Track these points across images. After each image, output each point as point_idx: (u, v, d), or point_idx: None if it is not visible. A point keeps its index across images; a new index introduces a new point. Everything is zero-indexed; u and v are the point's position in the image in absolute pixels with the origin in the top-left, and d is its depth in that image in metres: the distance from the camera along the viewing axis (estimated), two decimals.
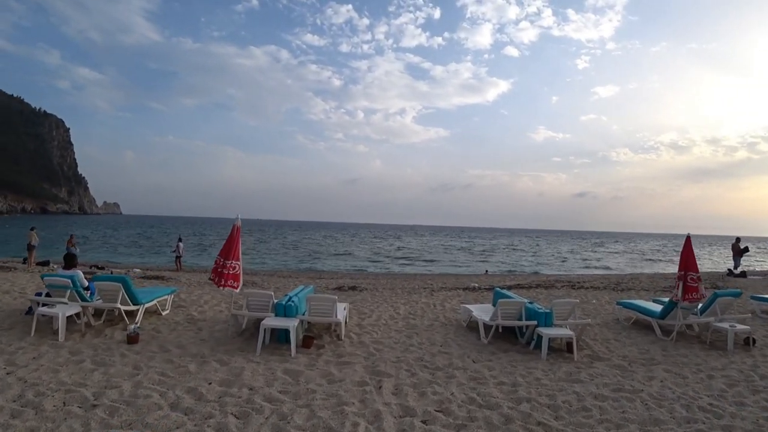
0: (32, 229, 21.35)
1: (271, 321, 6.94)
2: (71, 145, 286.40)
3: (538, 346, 7.11)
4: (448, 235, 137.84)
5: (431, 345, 7.44)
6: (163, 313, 9.26)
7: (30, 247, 20.59)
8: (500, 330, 7.81)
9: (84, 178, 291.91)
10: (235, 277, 7.32)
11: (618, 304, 10.16)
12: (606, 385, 5.70)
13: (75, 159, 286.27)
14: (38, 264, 21.30)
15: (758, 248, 76.59)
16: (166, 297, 9.62)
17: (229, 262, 7.27)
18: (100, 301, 8.12)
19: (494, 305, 9.23)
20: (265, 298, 7.64)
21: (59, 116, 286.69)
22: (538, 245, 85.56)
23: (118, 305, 7.75)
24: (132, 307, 8.15)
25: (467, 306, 9.12)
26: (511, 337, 8.01)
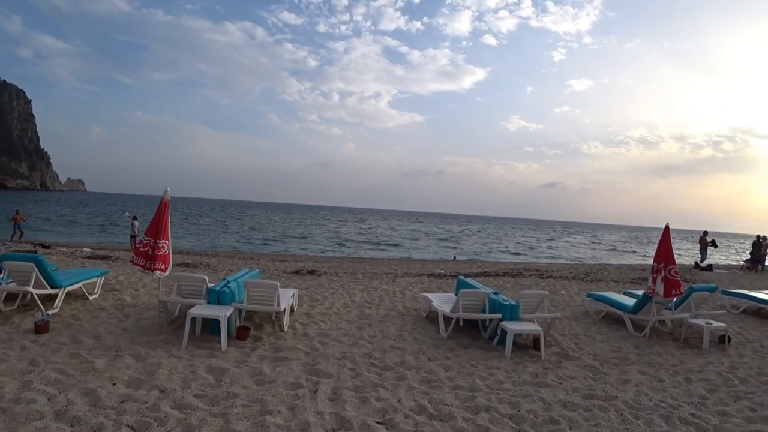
0: None
1: (200, 309, 6.04)
2: (33, 117, 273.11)
3: (503, 342, 6.42)
4: (418, 220, 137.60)
5: (384, 339, 6.66)
6: (90, 298, 8.26)
7: None
8: (461, 323, 7.07)
9: (46, 152, 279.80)
10: (164, 259, 6.39)
11: (588, 296, 9.61)
12: (576, 390, 5.03)
13: (37, 132, 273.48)
14: None
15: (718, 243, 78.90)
16: (94, 279, 8.61)
17: (159, 242, 6.34)
18: (13, 284, 7.09)
19: (457, 295, 8.54)
20: (198, 283, 6.72)
21: (20, 86, 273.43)
22: (506, 233, 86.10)
23: (30, 288, 6.74)
24: (49, 291, 7.17)
25: (427, 295, 8.37)
26: (474, 330, 7.30)
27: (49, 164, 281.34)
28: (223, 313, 5.91)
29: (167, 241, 6.39)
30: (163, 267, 6.39)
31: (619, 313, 8.40)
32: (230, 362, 5.32)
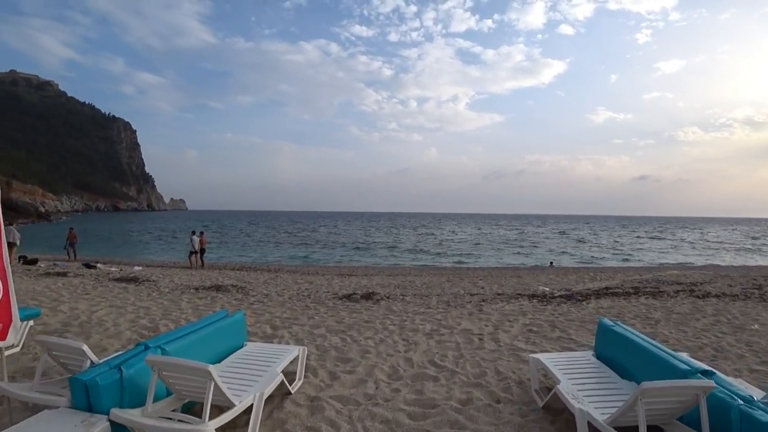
0: (10, 224, 18.70)
1: None
2: (138, 146, 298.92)
3: None
4: (500, 223, 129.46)
5: None
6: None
7: (9, 245, 17.72)
8: None
9: (151, 176, 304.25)
10: None
11: None
12: None
13: (142, 159, 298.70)
14: (25, 263, 18.56)
15: None
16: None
17: None
18: None
19: (600, 355, 4.52)
20: (75, 356, 3.39)
21: (126, 119, 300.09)
22: (602, 232, 77.70)
23: None
24: None
25: (544, 360, 4.38)
26: None
27: (153, 187, 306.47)
28: None
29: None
30: None
31: None
32: None
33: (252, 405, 3.45)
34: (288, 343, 6.16)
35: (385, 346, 6.07)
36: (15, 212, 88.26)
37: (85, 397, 2.97)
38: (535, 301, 10.03)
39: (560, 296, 10.65)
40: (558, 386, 3.73)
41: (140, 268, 19.15)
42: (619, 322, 4.67)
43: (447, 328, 7.18)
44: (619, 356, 4.16)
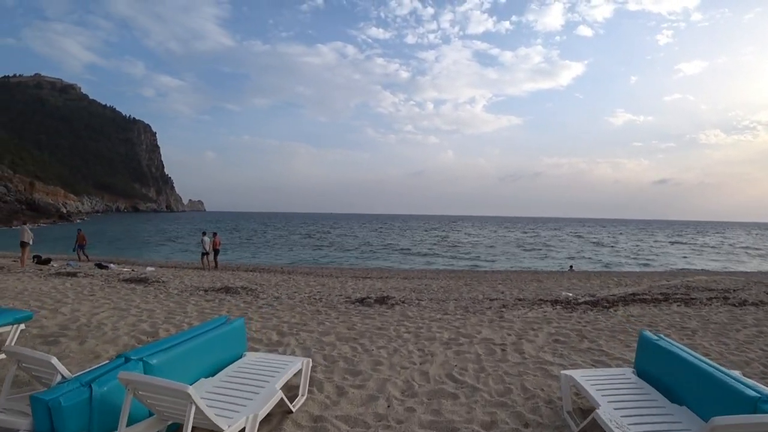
0: (24, 224, 18.64)
1: None
2: (158, 148, 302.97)
3: None
4: (517, 225, 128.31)
5: None
6: None
7: (22, 244, 17.66)
8: None
9: (170, 178, 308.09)
10: None
11: None
12: None
13: (162, 161, 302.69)
14: (39, 262, 18.50)
15: None
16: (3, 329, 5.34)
17: None
18: None
19: (641, 373, 4.00)
20: (44, 369, 3.00)
21: (146, 122, 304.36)
22: (622, 234, 76.08)
23: None
24: None
25: (577, 378, 3.87)
26: None
27: (172, 188, 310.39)
28: None
29: None
30: None
31: None
32: None
33: (244, 428, 3.02)
34: (294, 352, 5.74)
35: (398, 356, 5.60)
36: (37, 213, 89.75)
37: (48, 420, 2.56)
38: (559, 307, 9.46)
39: (585, 302, 10.05)
40: (597, 411, 3.22)
41: (153, 268, 18.98)
42: (663, 336, 4.13)
43: (466, 336, 6.67)
44: (665, 376, 3.63)
